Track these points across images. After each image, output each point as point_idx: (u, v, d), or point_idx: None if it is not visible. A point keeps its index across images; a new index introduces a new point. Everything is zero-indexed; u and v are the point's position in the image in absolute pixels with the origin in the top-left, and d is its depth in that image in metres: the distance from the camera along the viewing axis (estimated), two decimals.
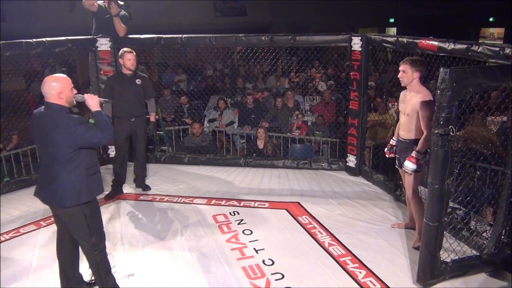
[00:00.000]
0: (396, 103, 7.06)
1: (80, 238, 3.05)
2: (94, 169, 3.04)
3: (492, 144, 4.90)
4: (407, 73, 3.67)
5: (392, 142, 4.09)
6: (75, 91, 2.98)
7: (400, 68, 3.72)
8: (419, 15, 17.77)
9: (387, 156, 4.16)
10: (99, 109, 3.05)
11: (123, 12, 5.60)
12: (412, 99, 3.68)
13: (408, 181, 3.82)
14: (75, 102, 3.01)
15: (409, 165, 3.66)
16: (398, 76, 3.75)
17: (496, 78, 3.09)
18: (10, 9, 11.81)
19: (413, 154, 3.66)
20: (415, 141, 3.70)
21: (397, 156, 3.99)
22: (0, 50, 4.83)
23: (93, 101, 3.03)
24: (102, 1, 5.54)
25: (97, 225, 3.09)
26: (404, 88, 3.85)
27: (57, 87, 2.86)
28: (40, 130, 2.92)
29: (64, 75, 3.01)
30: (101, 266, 3.13)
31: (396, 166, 4.08)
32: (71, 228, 3.05)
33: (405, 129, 3.80)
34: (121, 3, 5.55)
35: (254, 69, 10.09)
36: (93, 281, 3.35)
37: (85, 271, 3.38)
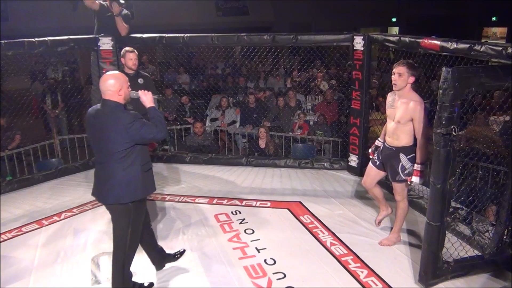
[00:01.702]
0: None
1: (119, 234, 3.08)
2: (148, 166, 3.07)
3: (494, 143, 4.89)
4: (403, 77, 3.49)
5: (378, 143, 3.95)
6: (130, 88, 3.03)
7: (395, 71, 3.54)
8: (421, 15, 17.72)
9: (370, 157, 4.01)
10: (153, 105, 3.09)
11: (125, 11, 5.60)
12: (403, 106, 3.53)
13: (395, 189, 3.75)
14: (130, 99, 3.05)
15: (417, 180, 3.55)
16: (392, 78, 3.56)
17: (499, 78, 3.08)
18: (13, 8, 11.84)
19: (418, 168, 3.52)
20: (402, 149, 3.60)
21: (379, 157, 3.86)
22: (0, 49, 4.83)
23: (147, 97, 3.08)
24: (104, 0, 5.54)
25: (137, 228, 3.11)
26: (391, 90, 3.71)
27: (116, 84, 2.91)
28: (96, 128, 2.95)
29: (120, 72, 3.06)
30: (124, 267, 3.14)
31: (371, 164, 3.95)
32: (114, 223, 3.09)
33: (393, 136, 3.66)
34: (122, 2, 5.55)
35: (256, 68, 10.08)
36: (178, 254, 3.60)
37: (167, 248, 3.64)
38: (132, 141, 2.90)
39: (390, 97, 3.74)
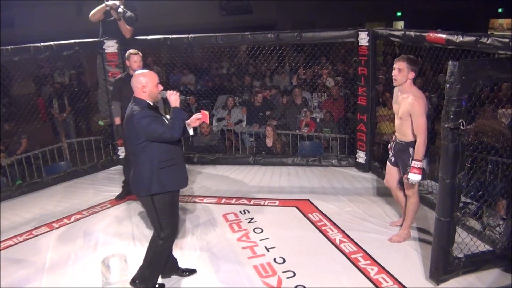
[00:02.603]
0: None
1: (153, 225, 3.25)
2: (168, 163, 3.10)
3: (503, 136, 4.84)
4: (403, 72, 3.49)
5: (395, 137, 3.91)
6: (161, 87, 3.12)
7: (395, 66, 3.54)
8: (426, 8, 17.57)
9: (390, 153, 3.96)
10: (177, 105, 3.15)
11: (128, 13, 5.60)
12: (404, 101, 3.53)
13: (406, 182, 3.71)
14: (159, 97, 3.16)
15: (414, 177, 3.51)
16: (393, 74, 3.56)
17: (506, 70, 3.05)
18: (18, 14, 11.92)
19: (414, 164, 3.51)
20: (411, 143, 3.58)
21: (392, 152, 3.87)
22: (1, 55, 4.87)
23: (173, 97, 3.15)
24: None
25: (168, 217, 3.19)
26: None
27: (142, 81, 3.04)
28: (125, 123, 3.13)
29: (151, 71, 3.17)
30: (156, 257, 3.23)
31: (388, 162, 3.95)
32: (148, 215, 3.26)
33: (400, 131, 3.69)
34: (117, 3, 5.47)
35: (261, 67, 10.07)
36: (187, 272, 3.56)
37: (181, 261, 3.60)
38: (141, 137, 2.99)
39: (395, 92, 3.75)
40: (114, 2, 5.40)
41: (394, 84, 3.60)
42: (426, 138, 3.49)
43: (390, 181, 4.00)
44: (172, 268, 3.51)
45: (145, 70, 3.17)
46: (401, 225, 4.03)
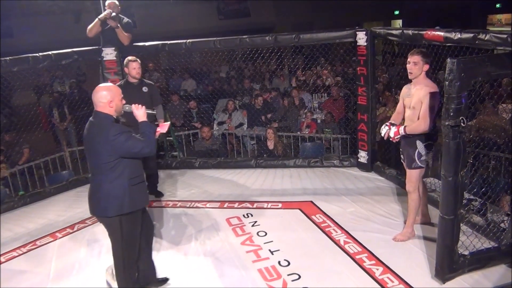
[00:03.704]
0: None
1: (114, 246, 3.10)
2: (137, 180, 3.04)
3: (505, 132, 4.83)
4: (418, 65, 3.57)
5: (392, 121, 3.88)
6: (123, 101, 3.03)
7: (410, 60, 3.61)
8: (424, 6, 17.57)
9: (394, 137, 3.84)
10: (145, 119, 3.07)
11: (125, 19, 5.60)
12: (418, 92, 3.60)
13: (409, 176, 3.75)
14: (123, 112, 3.06)
15: (385, 131, 3.73)
16: (408, 67, 3.63)
17: (505, 66, 3.03)
18: (17, 25, 11.98)
19: (400, 129, 3.65)
20: (419, 137, 3.62)
21: (400, 150, 3.90)
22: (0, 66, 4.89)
23: (139, 112, 3.08)
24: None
25: (131, 240, 3.08)
26: (407, 82, 3.78)
27: (108, 96, 2.92)
28: (87, 139, 2.97)
29: (113, 84, 3.08)
30: (125, 282, 3.14)
31: (402, 161, 3.97)
32: (110, 236, 3.09)
33: (409, 122, 3.72)
34: (110, 11, 5.47)
35: (261, 69, 10.08)
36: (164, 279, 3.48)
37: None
38: (116, 154, 2.88)
39: (406, 88, 3.80)
40: (106, 12, 5.40)
41: (409, 77, 3.66)
42: (426, 126, 3.53)
43: None
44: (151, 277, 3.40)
45: (109, 84, 3.04)
46: (421, 223, 4.04)
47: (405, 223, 4.03)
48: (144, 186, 3.16)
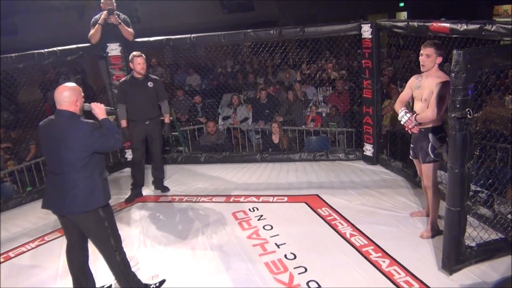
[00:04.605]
0: None
1: (100, 241, 3.12)
2: (105, 174, 3.15)
3: None
4: (431, 57, 3.50)
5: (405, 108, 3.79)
6: (83, 100, 3.09)
7: (423, 52, 3.54)
8: None
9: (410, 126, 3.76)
10: (106, 116, 3.16)
11: (122, 16, 5.61)
12: (429, 85, 3.53)
13: (425, 171, 3.71)
14: (83, 111, 3.11)
15: (403, 114, 3.64)
16: (420, 59, 3.56)
17: None
18: (21, 21, 12.00)
19: (412, 117, 3.60)
20: (432, 129, 3.59)
21: (411, 146, 3.87)
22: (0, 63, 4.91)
23: (99, 110, 3.16)
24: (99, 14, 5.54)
25: (114, 226, 3.17)
26: (412, 75, 3.73)
27: (73, 96, 2.98)
28: (52, 139, 2.97)
29: (76, 84, 3.10)
30: (123, 266, 3.20)
31: (411, 157, 3.96)
32: (91, 232, 3.11)
33: None
34: (109, 8, 5.46)
35: (266, 63, 10.05)
36: (105, 286, 3.46)
37: (98, 278, 3.44)
38: (91, 149, 2.95)
39: (416, 79, 3.73)
40: (104, 13, 5.40)
41: (422, 69, 3.60)
42: (434, 115, 3.48)
43: (420, 172, 3.98)
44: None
45: (72, 84, 3.07)
46: (428, 215, 4.01)
47: (427, 216, 4.00)
48: (107, 181, 3.22)
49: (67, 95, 2.96)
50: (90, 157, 2.96)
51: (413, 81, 3.77)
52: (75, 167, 2.94)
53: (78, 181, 2.96)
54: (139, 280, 3.31)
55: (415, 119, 3.60)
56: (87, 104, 3.14)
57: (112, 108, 3.46)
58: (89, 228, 3.08)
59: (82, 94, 3.07)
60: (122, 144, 3.16)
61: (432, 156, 3.63)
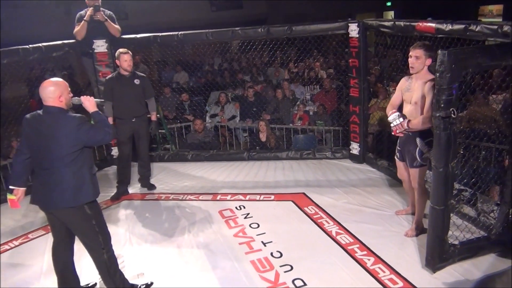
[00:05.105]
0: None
1: (88, 238, 3.09)
2: (94, 169, 3.11)
3: (495, 122, 4.86)
4: (420, 59, 3.43)
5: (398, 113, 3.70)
6: (71, 94, 3.05)
7: (412, 54, 3.47)
8: None
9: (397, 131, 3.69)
10: (96, 109, 3.13)
11: (107, 12, 5.55)
12: (420, 87, 3.48)
13: (413, 175, 3.69)
14: (72, 104, 3.06)
15: (393, 117, 3.54)
16: (410, 61, 3.51)
17: (496, 57, 3.06)
18: (6, 16, 11.81)
19: (405, 122, 3.49)
20: (420, 134, 3.54)
21: (398, 148, 3.86)
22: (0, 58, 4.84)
23: (89, 103, 3.12)
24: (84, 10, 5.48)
25: (103, 223, 3.14)
26: (404, 74, 3.72)
27: (57, 91, 2.93)
28: (39, 134, 2.94)
29: (61, 79, 3.06)
30: (110, 264, 3.16)
31: (396, 158, 3.93)
32: (78, 229, 3.08)
33: (410, 119, 3.60)
34: (94, 3, 5.40)
35: (254, 61, 10.04)
36: (89, 285, 3.43)
37: (82, 276, 3.43)
38: (81, 144, 2.92)
39: (406, 81, 3.69)
40: (90, 9, 5.34)
41: (411, 71, 3.54)
42: (431, 122, 3.37)
43: (402, 175, 3.98)
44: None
45: (57, 79, 3.03)
46: (412, 214, 4.04)
47: (412, 214, 4.04)
48: (96, 177, 3.18)
49: (51, 91, 2.92)
50: (79, 152, 2.93)
51: (403, 83, 3.73)
52: (64, 162, 2.91)
53: (66, 176, 2.93)
54: (125, 280, 3.28)
55: (407, 125, 3.52)
56: (76, 98, 3.10)
57: (102, 100, 3.41)
58: (76, 224, 3.05)
59: (69, 88, 3.02)
60: (112, 137, 3.11)
61: (419, 160, 3.60)
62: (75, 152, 2.92)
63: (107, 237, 3.15)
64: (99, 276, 3.28)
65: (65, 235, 3.15)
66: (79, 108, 3.20)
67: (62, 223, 3.09)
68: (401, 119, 3.56)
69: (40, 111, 2.98)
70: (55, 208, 3.03)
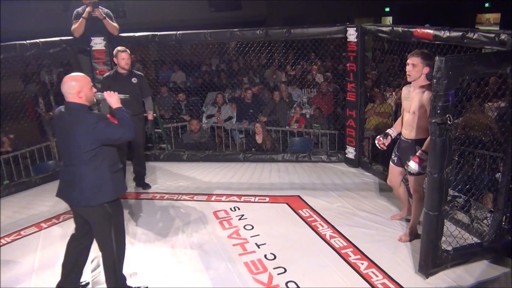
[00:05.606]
0: (393, 93, 7.05)
1: (101, 236, 3.06)
2: (117, 167, 3.05)
3: (490, 130, 4.89)
4: (417, 67, 3.41)
5: (390, 131, 3.86)
6: (94, 90, 3.01)
7: (409, 61, 3.45)
8: (414, 3, 17.64)
9: (376, 142, 3.88)
10: (119, 105, 3.06)
11: (105, 9, 5.54)
12: (417, 96, 3.47)
13: (411, 182, 3.69)
14: (95, 100, 3.03)
15: (413, 165, 3.47)
16: (407, 69, 3.49)
17: (492, 65, 3.08)
18: (3, 11, 11.75)
19: (418, 154, 3.46)
20: (418, 141, 3.54)
21: (396, 153, 3.85)
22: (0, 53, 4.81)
23: (113, 98, 3.06)
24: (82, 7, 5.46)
25: (120, 224, 3.11)
26: (401, 80, 3.75)
27: (76, 86, 2.88)
28: (61, 130, 2.94)
29: (82, 74, 3.02)
30: (118, 266, 3.14)
31: (393, 163, 3.90)
32: (95, 227, 3.06)
33: (408, 128, 3.62)
34: (95, 3, 5.40)
35: (251, 63, 10.05)
36: (83, 283, 3.40)
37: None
38: (98, 142, 2.88)
39: (405, 89, 3.68)
40: (88, 7, 5.33)
41: (408, 79, 3.52)
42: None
43: (393, 181, 3.97)
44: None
45: (78, 74, 3.00)
46: (407, 217, 4.04)
47: (392, 219, 4.08)
48: (122, 174, 3.16)
49: (70, 86, 2.87)
50: (97, 150, 2.89)
51: (403, 92, 3.72)
52: (82, 159, 2.88)
53: (85, 174, 2.91)
54: (125, 282, 3.26)
55: (421, 156, 3.45)
56: (99, 93, 3.05)
57: (127, 96, 3.34)
58: (95, 221, 3.04)
59: (91, 84, 2.97)
60: (133, 135, 3.03)
61: (418, 169, 3.55)
62: (93, 150, 2.87)
63: (121, 238, 3.11)
64: (92, 275, 3.27)
65: (84, 233, 3.14)
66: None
67: (84, 221, 3.08)
68: (417, 160, 3.49)
69: (62, 107, 2.96)
70: (77, 205, 3.03)
